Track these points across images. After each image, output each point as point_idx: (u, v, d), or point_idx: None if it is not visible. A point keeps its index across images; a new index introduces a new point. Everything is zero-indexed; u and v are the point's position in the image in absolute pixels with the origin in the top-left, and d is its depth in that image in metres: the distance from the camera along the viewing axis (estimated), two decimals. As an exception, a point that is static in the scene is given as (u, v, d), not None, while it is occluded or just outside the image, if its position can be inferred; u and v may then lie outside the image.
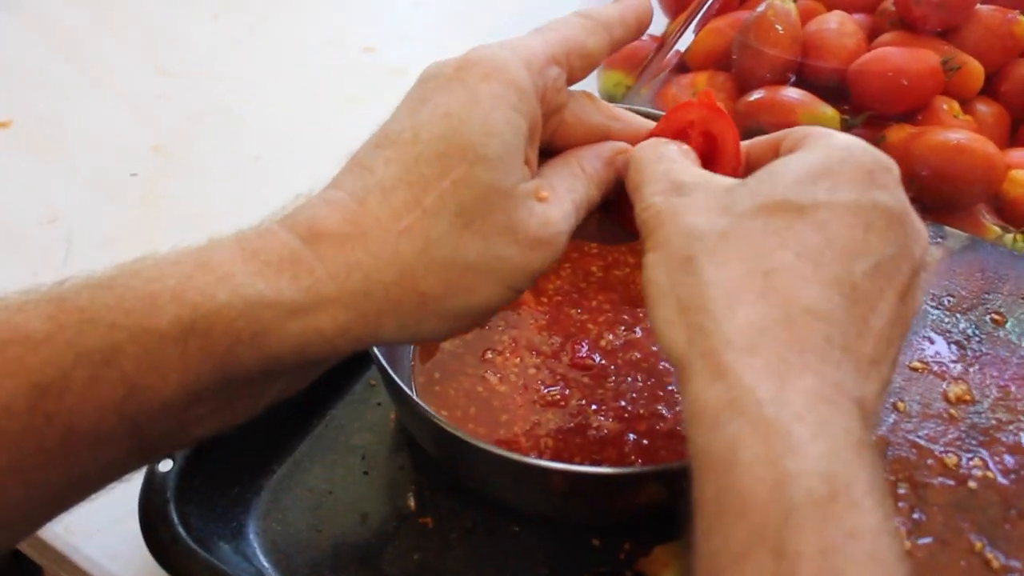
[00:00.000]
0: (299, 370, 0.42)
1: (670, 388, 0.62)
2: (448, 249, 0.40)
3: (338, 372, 0.64)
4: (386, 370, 0.53)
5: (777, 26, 0.75)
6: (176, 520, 0.53)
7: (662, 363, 0.64)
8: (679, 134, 0.48)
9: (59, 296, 0.36)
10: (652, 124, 0.50)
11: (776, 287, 0.37)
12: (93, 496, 0.40)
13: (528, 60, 0.43)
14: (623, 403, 0.61)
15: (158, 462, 0.53)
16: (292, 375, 0.42)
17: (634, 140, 0.49)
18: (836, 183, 0.39)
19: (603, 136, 0.48)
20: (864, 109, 0.75)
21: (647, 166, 0.45)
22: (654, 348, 0.65)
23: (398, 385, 0.52)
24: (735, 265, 0.38)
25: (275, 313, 0.37)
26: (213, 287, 0.37)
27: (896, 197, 0.40)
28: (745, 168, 0.47)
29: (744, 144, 0.48)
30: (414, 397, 0.53)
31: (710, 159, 0.48)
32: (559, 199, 0.44)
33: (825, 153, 0.40)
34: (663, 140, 0.47)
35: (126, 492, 0.55)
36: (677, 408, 0.61)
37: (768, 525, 0.32)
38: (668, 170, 0.43)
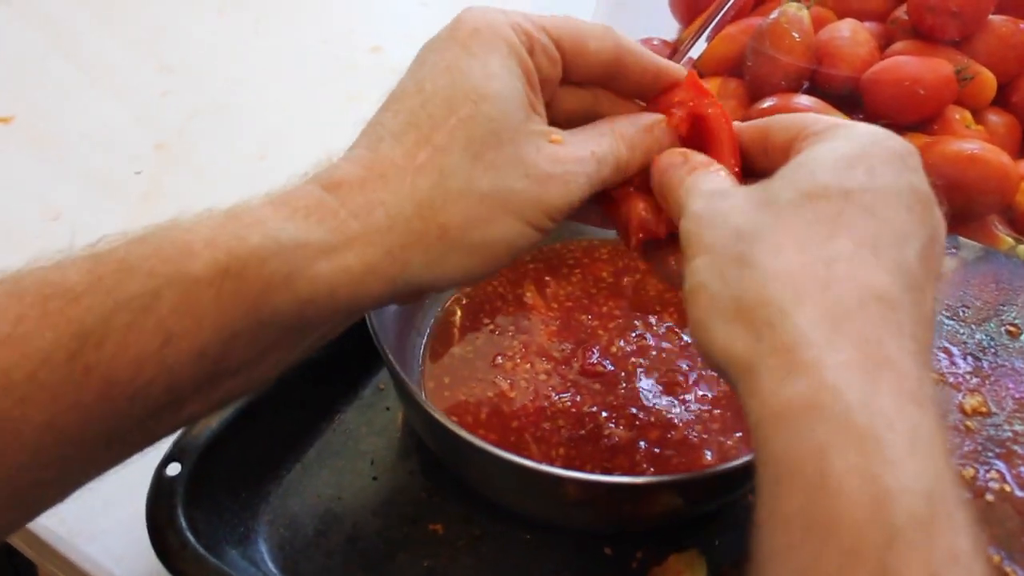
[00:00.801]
0: (330, 321, 0.41)
1: (682, 396, 0.62)
2: (462, 180, 0.41)
3: (346, 376, 0.64)
4: (396, 371, 0.52)
5: (793, 33, 0.75)
6: (184, 525, 0.52)
7: (673, 371, 0.63)
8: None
9: (96, 252, 0.37)
10: (671, 67, 0.49)
11: (840, 276, 0.35)
12: (119, 466, 0.40)
13: (515, 21, 0.44)
14: (634, 411, 0.61)
15: (189, 425, 0.50)
16: (323, 327, 0.42)
17: (648, 75, 0.48)
18: (872, 167, 0.38)
19: (617, 66, 0.47)
20: (877, 118, 0.74)
21: (696, 184, 0.44)
22: (664, 355, 0.64)
23: (408, 387, 0.52)
24: (792, 256, 0.36)
25: (305, 253, 0.38)
26: (245, 231, 0.38)
27: (925, 180, 0.40)
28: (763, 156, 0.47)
29: (740, 126, 0.48)
30: (424, 400, 0.52)
31: (703, 142, 0.48)
32: (575, 145, 0.45)
33: (854, 140, 0.40)
34: (687, 151, 0.47)
35: (130, 495, 0.55)
36: (688, 417, 0.61)
37: (867, 547, 0.30)
38: (712, 185, 0.43)
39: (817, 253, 0.36)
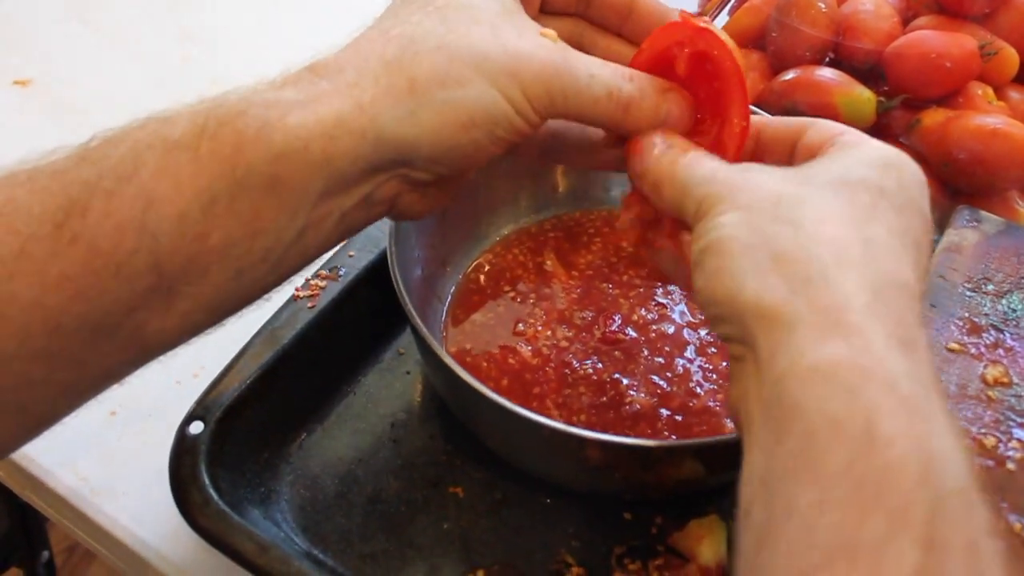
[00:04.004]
0: (308, 189, 0.40)
1: (703, 365, 0.62)
2: (432, 41, 0.41)
3: (367, 341, 0.64)
4: (420, 328, 0.52)
5: (818, 4, 0.75)
6: (207, 482, 0.52)
7: (695, 340, 0.63)
8: (664, 60, 0.46)
9: (86, 144, 0.38)
10: (649, 2, 0.49)
11: (876, 256, 0.36)
12: (112, 384, 0.41)
13: None
14: (656, 379, 0.61)
15: (185, 334, 0.44)
16: (304, 201, 0.41)
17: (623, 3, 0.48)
18: (902, 178, 0.40)
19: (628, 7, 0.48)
20: (900, 92, 0.74)
21: (678, 156, 0.44)
22: (686, 324, 0.64)
23: (431, 344, 0.52)
24: (835, 227, 0.37)
25: (278, 109, 0.39)
26: (224, 96, 0.40)
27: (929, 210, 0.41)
28: (758, 148, 0.47)
29: (757, 120, 0.47)
30: (449, 360, 0.52)
31: (711, 83, 0.46)
32: (570, 52, 0.44)
33: (887, 153, 0.41)
34: (671, 133, 0.46)
35: (152, 455, 0.55)
36: (710, 386, 0.61)
37: (914, 510, 0.30)
38: (709, 169, 0.42)
39: (856, 232, 0.37)
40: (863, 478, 0.31)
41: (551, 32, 0.44)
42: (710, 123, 0.47)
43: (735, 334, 0.37)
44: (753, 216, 0.38)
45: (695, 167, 0.42)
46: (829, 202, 0.38)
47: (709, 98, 0.46)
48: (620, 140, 0.47)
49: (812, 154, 0.43)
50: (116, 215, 0.36)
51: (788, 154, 0.45)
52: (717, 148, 0.46)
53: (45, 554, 1.04)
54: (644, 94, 0.45)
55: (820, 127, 0.45)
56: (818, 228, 0.37)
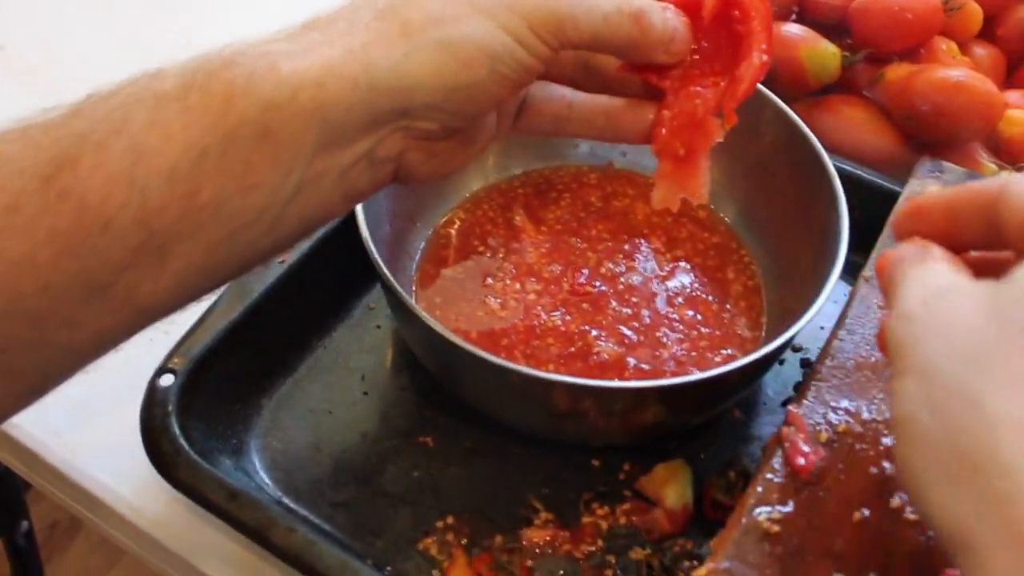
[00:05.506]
0: (299, 142, 0.39)
1: (670, 315, 0.62)
2: None
3: (337, 295, 0.65)
4: (388, 280, 0.53)
5: (782, -41, 0.75)
6: (178, 433, 0.53)
7: (662, 291, 0.64)
8: (689, 2, 0.47)
9: (81, 100, 0.38)
10: None
11: None
12: (106, 350, 0.40)
13: None
14: (624, 329, 0.61)
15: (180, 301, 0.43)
16: (297, 155, 0.39)
17: None
18: None
19: None
20: (864, 46, 0.75)
21: (908, 269, 0.38)
22: (653, 276, 0.65)
23: (403, 298, 0.52)
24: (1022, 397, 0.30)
25: (269, 60, 0.38)
26: (217, 50, 0.39)
27: None
28: (949, 221, 0.40)
29: (945, 192, 0.41)
30: (419, 309, 0.52)
31: (736, 29, 0.47)
32: None
33: None
34: (928, 243, 0.39)
35: (126, 412, 0.55)
36: (677, 336, 0.61)
37: None
38: (930, 276, 0.37)
39: None
40: None
41: None
42: (726, 70, 0.49)
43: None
44: (933, 387, 0.32)
45: (908, 285, 0.36)
46: (1020, 352, 0.31)
47: (730, 44, 0.48)
48: (634, 68, 0.48)
49: (1018, 240, 0.36)
50: (105, 168, 0.36)
51: (986, 225, 0.38)
52: (732, 84, 0.47)
53: (24, 524, 1.04)
54: (652, 6, 0.44)
55: (1014, 195, 0.37)
56: (1007, 405, 0.30)
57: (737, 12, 0.47)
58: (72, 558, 1.46)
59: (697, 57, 0.49)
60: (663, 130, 0.49)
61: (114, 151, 0.36)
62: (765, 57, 0.47)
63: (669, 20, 0.46)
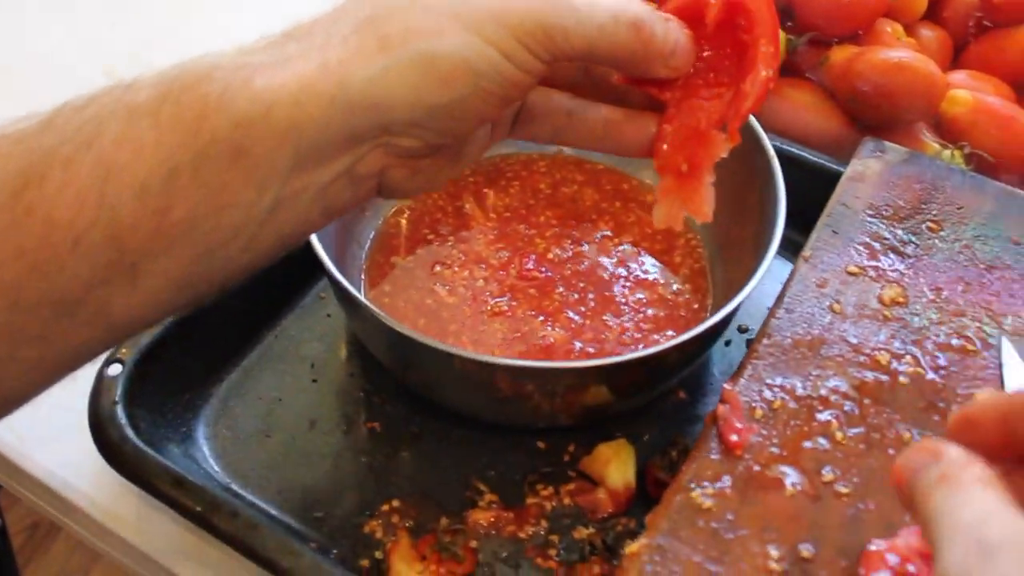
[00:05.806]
0: (273, 159, 0.38)
1: (617, 299, 0.63)
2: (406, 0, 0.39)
3: (288, 285, 0.65)
4: (333, 274, 0.54)
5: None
6: (124, 421, 0.54)
7: (607, 275, 0.65)
8: (691, 10, 0.45)
9: (54, 110, 0.37)
10: None
11: None
12: (85, 362, 0.39)
13: None
14: (570, 314, 0.62)
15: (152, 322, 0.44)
16: (271, 174, 0.38)
17: None
18: None
19: None
20: (808, 29, 0.76)
21: (952, 513, 0.32)
22: (599, 261, 0.66)
23: (347, 288, 0.53)
24: None
25: (243, 73, 0.37)
26: (194, 60, 0.37)
27: None
28: (1007, 428, 0.35)
29: (998, 398, 0.36)
30: (363, 298, 0.53)
31: (740, 38, 0.45)
32: None
33: None
34: (974, 463, 0.33)
35: (79, 403, 0.56)
36: (622, 319, 0.62)
37: None
38: (975, 522, 0.31)
39: None
40: None
41: None
42: (731, 82, 0.46)
43: None
44: None
45: (945, 526, 0.31)
46: None
47: (735, 54, 0.46)
48: (634, 81, 0.46)
49: None
50: (74, 184, 0.35)
51: None
52: (737, 99, 0.45)
53: (-2, 523, 1.04)
54: (651, 16, 0.42)
55: None
56: None
57: (742, 20, 0.45)
58: (52, 559, 1.47)
59: (700, 66, 0.46)
60: (664, 145, 0.47)
61: (83, 166, 0.35)
62: (772, 72, 0.44)
63: (671, 32, 0.43)
